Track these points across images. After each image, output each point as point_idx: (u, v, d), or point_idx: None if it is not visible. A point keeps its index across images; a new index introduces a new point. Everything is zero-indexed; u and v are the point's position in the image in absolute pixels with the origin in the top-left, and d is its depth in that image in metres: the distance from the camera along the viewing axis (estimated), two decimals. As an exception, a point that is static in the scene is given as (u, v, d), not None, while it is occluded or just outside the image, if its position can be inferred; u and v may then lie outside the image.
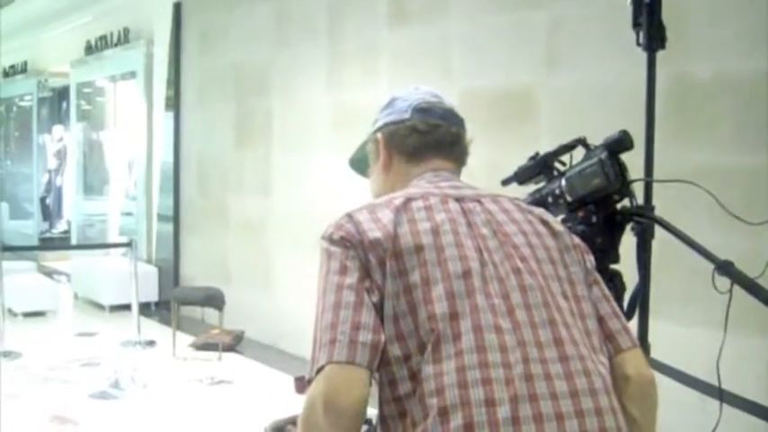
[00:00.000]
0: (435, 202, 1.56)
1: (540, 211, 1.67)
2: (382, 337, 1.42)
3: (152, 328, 7.88)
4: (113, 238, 11.78)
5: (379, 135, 1.76)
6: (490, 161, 4.82)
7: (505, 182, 2.35)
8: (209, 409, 5.44)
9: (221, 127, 8.07)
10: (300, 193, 6.83)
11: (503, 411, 1.34)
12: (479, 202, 1.60)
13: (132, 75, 10.42)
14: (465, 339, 1.39)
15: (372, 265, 1.47)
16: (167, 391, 5.88)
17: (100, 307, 8.99)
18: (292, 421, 1.98)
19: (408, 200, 1.56)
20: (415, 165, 1.71)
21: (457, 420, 1.33)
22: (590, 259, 1.66)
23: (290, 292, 6.80)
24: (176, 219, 8.90)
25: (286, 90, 7.11)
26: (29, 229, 14.04)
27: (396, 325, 1.43)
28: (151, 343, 7.42)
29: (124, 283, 8.04)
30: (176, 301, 7.22)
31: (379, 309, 1.44)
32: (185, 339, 7.16)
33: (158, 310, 8.64)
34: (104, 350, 7.18)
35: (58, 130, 14.64)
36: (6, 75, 15.55)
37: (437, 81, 5.55)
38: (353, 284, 1.45)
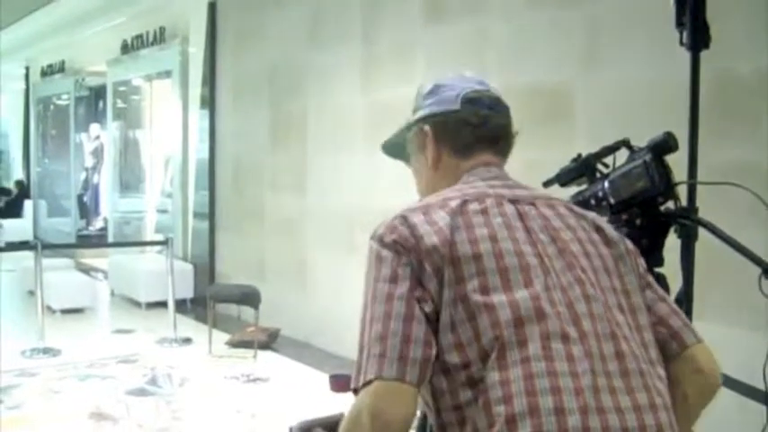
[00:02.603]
0: (491, 204, 1.50)
1: (593, 216, 1.62)
2: (433, 351, 1.37)
3: (188, 326, 7.94)
4: (149, 235, 11.88)
5: (426, 127, 1.66)
6: (525, 160, 4.80)
7: (547, 183, 2.32)
8: (244, 406, 5.47)
9: (256, 126, 8.10)
10: (335, 193, 6.85)
11: (572, 421, 1.31)
12: (534, 205, 1.54)
13: (168, 74, 10.51)
14: (531, 347, 1.35)
15: (427, 273, 1.41)
16: (203, 389, 5.92)
17: (136, 304, 9.07)
18: (321, 423, 1.90)
19: (465, 202, 1.49)
20: (464, 159, 1.63)
21: (525, 428, 1.30)
22: (641, 263, 1.63)
23: (324, 290, 6.83)
24: (212, 216, 8.96)
25: (321, 90, 7.12)
26: (66, 226, 14.21)
27: (454, 333, 1.38)
28: (187, 340, 7.47)
29: (160, 280, 8.11)
30: (212, 299, 7.26)
31: (432, 319, 1.39)
32: (221, 337, 7.20)
33: (194, 307, 8.71)
34: (141, 347, 7.24)
35: (94, 128, 14.79)
36: (45, 74, 15.76)
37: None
38: (404, 294, 1.40)
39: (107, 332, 8.41)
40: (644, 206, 2.16)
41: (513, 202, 1.53)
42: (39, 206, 14.93)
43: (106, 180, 14.05)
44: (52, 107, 16.11)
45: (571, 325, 1.40)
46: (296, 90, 7.43)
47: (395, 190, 6.29)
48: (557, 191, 2.28)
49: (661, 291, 1.63)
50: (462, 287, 1.39)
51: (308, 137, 7.31)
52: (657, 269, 2.17)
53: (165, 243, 8.38)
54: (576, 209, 1.61)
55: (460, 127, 1.63)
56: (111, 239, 12.81)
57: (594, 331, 1.41)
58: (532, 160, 4.27)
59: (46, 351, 7.07)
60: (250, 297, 6.84)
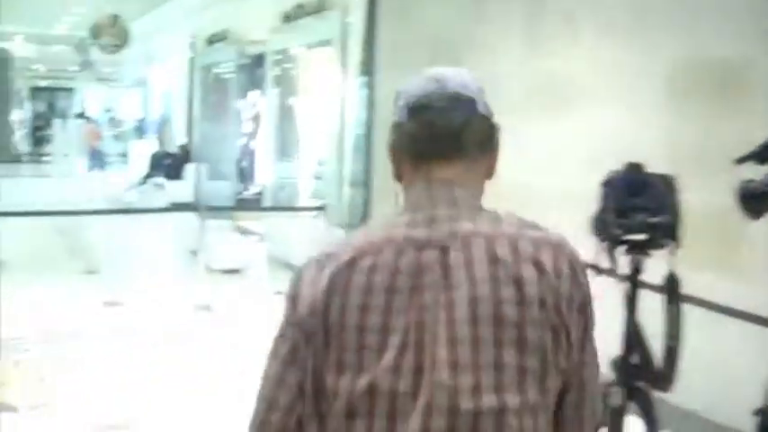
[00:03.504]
0: (386, 258, 1.36)
1: (528, 257, 1.36)
2: (292, 418, 1.38)
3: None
4: (304, 201, 12.18)
5: (390, 140, 1.52)
6: (697, 133, 4.62)
7: (741, 160, 2.22)
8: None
9: (414, 96, 8.10)
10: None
11: None
12: (444, 249, 1.35)
13: (327, 42, 10.67)
14: None
15: (302, 340, 1.38)
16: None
17: (292, 267, 9.31)
18: None
19: (354, 259, 1.37)
20: (415, 169, 1.46)
21: None
22: (580, 326, 1.38)
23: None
24: (368, 184, 9.06)
25: (481, 60, 7.04)
26: (225, 189, 14.73)
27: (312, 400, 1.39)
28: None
29: (315, 245, 8.30)
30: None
31: (305, 385, 1.38)
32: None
33: (346, 273, 8.86)
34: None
35: (253, 95, 15.21)
36: (208, 43, 16.33)
37: (641, 50, 5.35)
38: (283, 356, 1.41)
39: (267, 293, 8.70)
40: None
41: (420, 248, 1.36)
42: (200, 170, 15.52)
43: (263, 146, 14.46)
44: (214, 75, 16.69)
45: (398, 421, 1.31)
46: (456, 60, 7.36)
47: (556, 164, 6.21)
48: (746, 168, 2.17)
49: (587, 373, 1.41)
50: (326, 357, 1.35)
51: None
52: None
53: (320, 209, 8.57)
54: (503, 252, 1.35)
55: (407, 142, 1.47)
56: (267, 204, 13.20)
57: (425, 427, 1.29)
58: (704, 132, 4.12)
59: (207, 308, 7.38)
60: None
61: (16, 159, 27.06)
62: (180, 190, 14.83)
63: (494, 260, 1.34)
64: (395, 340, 1.31)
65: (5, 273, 8.78)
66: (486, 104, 1.49)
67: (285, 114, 13.67)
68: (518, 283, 1.32)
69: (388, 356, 1.31)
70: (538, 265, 1.34)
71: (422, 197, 1.42)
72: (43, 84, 36.80)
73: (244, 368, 5.51)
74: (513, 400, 1.29)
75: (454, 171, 1.44)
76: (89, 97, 26.80)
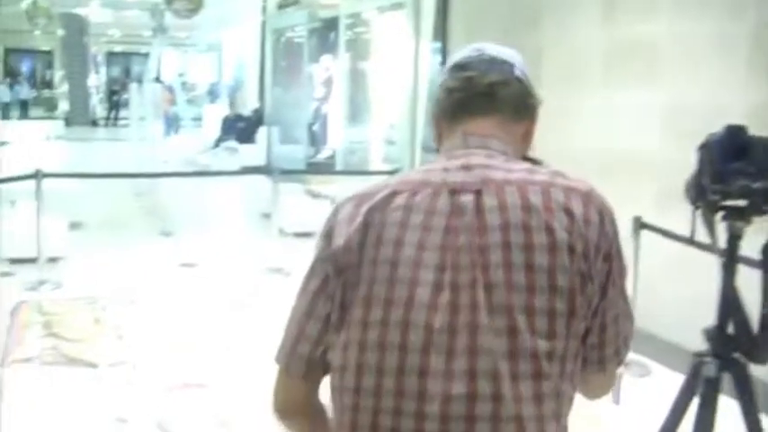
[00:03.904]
0: (422, 198, 1.40)
1: (558, 205, 1.38)
2: (319, 350, 1.43)
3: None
4: (375, 165, 12.17)
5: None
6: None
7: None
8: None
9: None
10: (570, 135, 6.63)
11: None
12: (479, 193, 1.38)
13: (399, 6, 10.56)
14: (386, 382, 1.35)
15: (333, 273, 1.41)
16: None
17: (362, 232, 9.31)
18: None
19: (393, 194, 1.41)
20: (452, 130, 1.52)
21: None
22: (614, 271, 1.42)
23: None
24: (440, 149, 8.98)
25: (558, 24, 6.88)
26: (297, 153, 14.81)
27: (338, 334, 1.42)
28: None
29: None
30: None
31: (330, 318, 1.42)
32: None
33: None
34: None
35: (325, 59, 15.20)
36: (280, 7, 16.35)
37: (723, 15, 5.14)
38: (312, 291, 1.45)
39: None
40: None
41: (454, 192, 1.39)
42: (271, 133, 15.61)
43: (335, 110, 14.47)
44: (286, 39, 16.73)
45: (433, 356, 1.33)
46: (531, 23, 7.22)
47: (635, 131, 6.05)
48: None
49: (609, 317, 1.44)
50: (356, 292, 1.38)
51: (542, 74, 7.10)
52: None
53: (392, 173, 8.52)
54: (538, 196, 1.38)
55: (445, 97, 1.53)
56: (338, 168, 13.24)
57: (457, 368, 1.32)
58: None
59: (280, 271, 7.43)
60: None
61: (93, 123, 27.68)
62: (252, 153, 14.95)
63: (526, 207, 1.36)
64: (428, 277, 1.35)
65: (84, 234, 8.99)
66: (526, 75, 1.54)
67: (357, 78, 13.64)
68: (549, 230, 1.35)
69: (423, 292, 1.34)
70: (568, 213, 1.37)
71: (457, 147, 1.48)
72: (118, 49, 37.48)
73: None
74: (544, 344, 1.33)
75: (489, 126, 1.49)
76: (163, 62, 27.17)
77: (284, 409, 1.52)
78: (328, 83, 15.20)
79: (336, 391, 1.41)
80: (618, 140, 5.97)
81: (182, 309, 6.12)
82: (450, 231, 1.36)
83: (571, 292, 1.35)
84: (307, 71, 15.43)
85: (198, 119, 23.84)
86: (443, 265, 1.35)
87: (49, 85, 33.16)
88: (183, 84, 26.90)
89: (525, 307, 1.33)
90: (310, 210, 9.62)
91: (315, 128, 15.51)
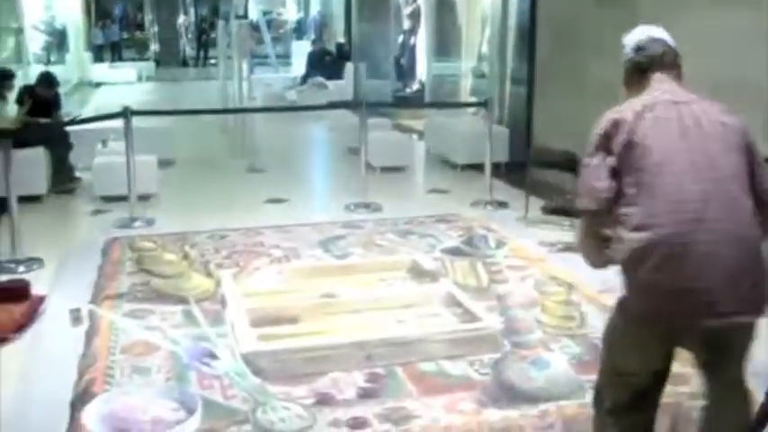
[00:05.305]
0: (659, 108, 2.57)
1: (730, 118, 2.59)
2: (611, 189, 2.54)
3: (502, 190, 7.87)
4: (464, 98, 11.90)
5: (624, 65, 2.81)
6: None
7: None
8: (558, 273, 5.31)
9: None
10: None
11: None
12: (689, 103, 2.59)
13: (489, -69, 10.19)
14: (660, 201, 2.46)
15: (616, 144, 2.55)
16: (519, 253, 5.83)
17: (451, 165, 9.15)
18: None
19: (644, 107, 2.58)
20: (643, 80, 2.72)
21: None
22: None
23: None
24: (530, 81, 8.70)
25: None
26: (384, 88, 14.62)
27: (625, 177, 2.55)
28: (502, 204, 7.43)
29: (475, 143, 8.07)
30: (531, 163, 7.10)
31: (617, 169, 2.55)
32: (537, 203, 7.06)
33: (508, 171, 8.60)
34: (456, 208, 7.29)
35: (412, -9, 14.90)
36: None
37: None
38: (597, 160, 2.58)
39: (423, 191, 8.61)
40: None
41: (676, 103, 2.59)
42: (358, 68, 15.44)
43: (422, 43, 14.19)
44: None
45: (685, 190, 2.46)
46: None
47: (741, 53, 5.68)
48: None
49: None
50: (632, 154, 2.52)
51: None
52: None
53: (483, 105, 8.31)
54: (716, 113, 2.58)
55: (635, 63, 2.76)
56: (427, 102, 13.02)
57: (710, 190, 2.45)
58: None
59: (368, 206, 7.34)
60: (570, 163, 6.59)
61: (183, 64, 27.94)
62: (339, 88, 14.83)
63: (713, 119, 2.57)
64: (679, 145, 2.50)
65: (174, 171, 9.06)
66: (675, 45, 2.77)
67: (446, 10, 13.31)
68: (727, 134, 2.55)
69: (683, 160, 2.48)
70: (737, 123, 2.59)
71: (656, 86, 2.67)
72: (206, -12, 37.53)
73: (405, 262, 5.45)
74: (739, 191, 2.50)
75: (666, 76, 2.70)
76: (250, -1, 27.13)
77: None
78: (415, 15, 14.91)
79: None
80: (718, 62, 5.62)
81: (270, 243, 6.10)
82: (681, 118, 2.55)
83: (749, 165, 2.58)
84: (393, 3, 15.13)
85: (285, 56, 23.82)
86: (684, 133, 2.54)
87: (140, 26, 33.50)
88: (271, 20, 26.83)
89: (732, 174, 2.51)
90: (398, 144, 9.48)
91: (402, 61, 15.27)
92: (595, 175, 2.54)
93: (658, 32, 2.75)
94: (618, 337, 2.64)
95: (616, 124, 2.55)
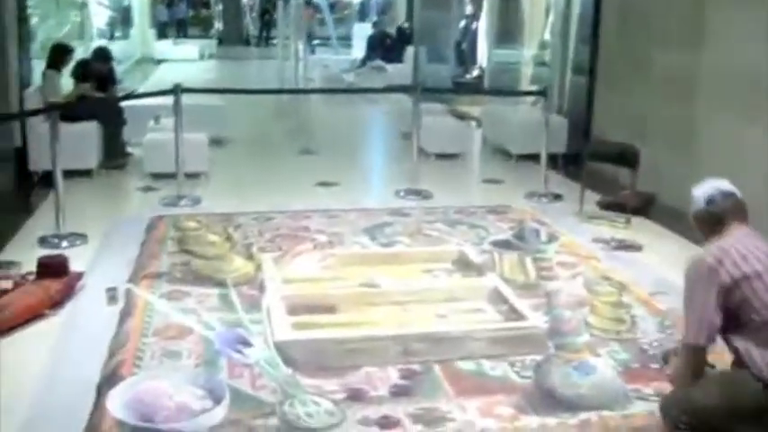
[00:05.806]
0: (738, 246, 2.89)
1: None
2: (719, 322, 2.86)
3: (558, 182, 7.65)
4: (524, 86, 11.64)
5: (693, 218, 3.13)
6: None
7: None
8: (612, 273, 5.10)
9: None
10: (738, 48, 5.99)
11: None
12: (757, 246, 2.92)
13: None
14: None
15: (719, 282, 2.83)
16: (571, 249, 5.62)
17: (507, 155, 8.92)
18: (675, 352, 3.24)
19: (726, 249, 2.89)
20: (720, 226, 3.01)
21: None
22: None
23: (714, 159, 6.09)
24: (592, 71, 8.42)
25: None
26: (444, 72, 14.40)
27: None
28: (557, 197, 7.20)
29: (533, 133, 7.84)
30: (588, 155, 6.86)
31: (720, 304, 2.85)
32: (593, 197, 6.82)
33: (565, 163, 8.35)
34: (509, 199, 7.09)
35: (476, -24, 14.65)
36: None
37: None
38: (707, 294, 2.85)
39: (477, 180, 8.41)
40: None
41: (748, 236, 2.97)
42: (419, 52, 15.25)
43: (484, 29, 13.94)
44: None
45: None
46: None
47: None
48: None
49: None
50: (733, 292, 2.85)
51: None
52: None
53: (542, 94, 8.09)
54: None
55: (709, 216, 3.04)
56: (486, 88, 12.78)
57: None
58: None
59: (419, 193, 7.18)
60: (629, 157, 6.36)
61: (246, 42, 28.04)
62: (398, 72, 14.66)
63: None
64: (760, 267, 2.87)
65: (225, 150, 9.01)
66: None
67: (509, -5, 13.04)
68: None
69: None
70: None
71: (732, 231, 3.03)
72: (272, -32, 37.58)
73: (451, 254, 5.28)
74: None
75: (739, 222, 3.06)
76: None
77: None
78: (478, 0, 14.65)
79: None
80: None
81: (320, 227, 5.99)
82: (757, 248, 2.93)
83: None
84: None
85: (347, 38, 23.71)
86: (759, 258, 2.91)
87: (206, 4, 33.69)
88: (334, 2, 26.73)
89: None
90: (453, 131, 9.29)
91: (463, 47, 15.03)
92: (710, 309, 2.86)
93: (726, 186, 3.06)
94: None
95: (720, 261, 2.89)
